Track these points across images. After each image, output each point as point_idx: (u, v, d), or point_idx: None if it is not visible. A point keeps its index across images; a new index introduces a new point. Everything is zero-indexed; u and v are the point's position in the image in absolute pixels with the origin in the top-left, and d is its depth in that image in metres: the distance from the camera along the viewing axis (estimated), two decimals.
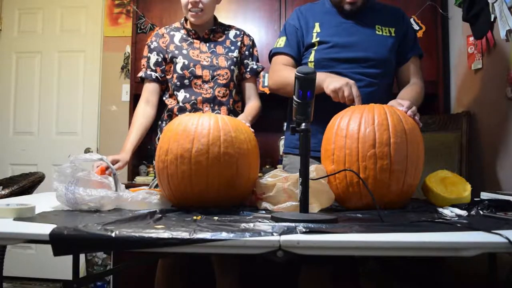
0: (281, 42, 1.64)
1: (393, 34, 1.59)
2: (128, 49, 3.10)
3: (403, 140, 1.11)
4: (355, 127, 1.14)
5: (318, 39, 1.57)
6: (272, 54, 1.68)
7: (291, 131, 1.01)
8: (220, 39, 1.82)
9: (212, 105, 1.74)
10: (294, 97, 0.99)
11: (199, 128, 1.12)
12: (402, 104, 1.27)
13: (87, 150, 3.17)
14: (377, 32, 1.58)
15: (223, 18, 2.73)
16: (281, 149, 2.81)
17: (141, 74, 1.81)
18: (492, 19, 1.98)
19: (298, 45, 1.62)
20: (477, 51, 2.19)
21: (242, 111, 1.81)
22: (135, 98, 2.76)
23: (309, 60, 1.56)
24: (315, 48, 1.57)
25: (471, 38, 2.25)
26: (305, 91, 0.98)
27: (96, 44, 3.26)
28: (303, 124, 0.98)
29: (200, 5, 1.72)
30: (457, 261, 1.61)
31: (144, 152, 2.93)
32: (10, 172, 3.09)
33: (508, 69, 1.86)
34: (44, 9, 3.33)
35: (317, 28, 1.60)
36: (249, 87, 1.84)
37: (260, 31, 2.75)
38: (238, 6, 2.80)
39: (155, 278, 1.79)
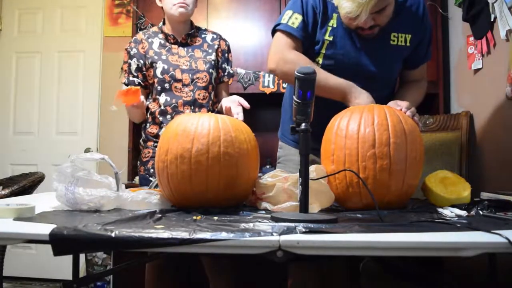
0: (295, 21, 1.42)
1: (408, 44, 1.46)
2: None
3: (403, 140, 1.11)
4: (355, 127, 1.14)
5: (331, 38, 1.42)
6: (277, 29, 1.46)
7: (291, 131, 1.01)
8: (197, 43, 1.86)
9: (192, 108, 1.77)
10: (294, 97, 0.99)
11: (199, 128, 1.12)
12: (400, 105, 1.27)
13: (87, 150, 3.17)
14: (391, 43, 1.45)
15: (223, 18, 2.76)
16: None
17: (124, 80, 1.83)
18: (492, 19, 1.98)
19: (313, 30, 1.43)
20: (477, 51, 2.19)
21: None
22: None
23: (315, 61, 1.45)
24: (323, 51, 1.44)
25: (471, 38, 2.25)
26: (305, 92, 0.98)
27: (96, 44, 3.26)
28: (303, 124, 0.98)
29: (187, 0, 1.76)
30: (457, 261, 1.61)
31: None
32: (10, 172, 3.09)
33: (508, 69, 1.86)
34: (44, 9, 3.33)
35: (333, 22, 1.42)
36: (225, 89, 1.91)
37: (260, 31, 2.75)
38: (238, 5, 2.80)
39: (145, 280, 1.79)
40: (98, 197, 1.09)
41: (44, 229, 0.79)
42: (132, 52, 1.82)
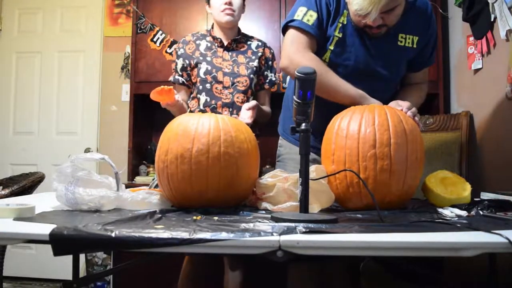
0: (310, 18, 1.39)
1: (414, 46, 1.46)
2: (128, 49, 3.10)
3: (404, 141, 1.11)
4: (356, 128, 1.14)
5: (340, 35, 1.41)
6: (290, 25, 1.42)
7: (291, 132, 1.00)
8: (242, 49, 1.91)
9: (231, 110, 1.82)
10: (294, 97, 0.99)
11: (199, 128, 1.12)
12: (401, 105, 1.27)
13: (87, 150, 3.18)
14: (399, 43, 1.45)
15: None
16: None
17: (170, 78, 1.94)
18: (492, 19, 1.98)
19: (326, 27, 1.41)
20: (477, 51, 2.19)
21: None
22: (135, 98, 2.75)
23: (323, 58, 1.44)
24: (331, 47, 1.43)
25: (471, 38, 2.25)
26: (305, 92, 0.98)
27: (96, 44, 3.26)
28: (303, 124, 0.98)
29: (234, 6, 1.83)
30: (457, 261, 1.61)
31: (144, 152, 2.93)
32: (10, 172, 3.09)
33: (508, 69, 1.86)
34: (44, 9, 3.33)
35: (344, 18, 1.41)
36: (264, 96, 1.95)
37: (260, 31, 2.75)
38: None
39: (181, 269, 1.81)
40: (98, 197, 1.09)
41: (44, 229, 0.79)
42: (179, 52, 1.91)
